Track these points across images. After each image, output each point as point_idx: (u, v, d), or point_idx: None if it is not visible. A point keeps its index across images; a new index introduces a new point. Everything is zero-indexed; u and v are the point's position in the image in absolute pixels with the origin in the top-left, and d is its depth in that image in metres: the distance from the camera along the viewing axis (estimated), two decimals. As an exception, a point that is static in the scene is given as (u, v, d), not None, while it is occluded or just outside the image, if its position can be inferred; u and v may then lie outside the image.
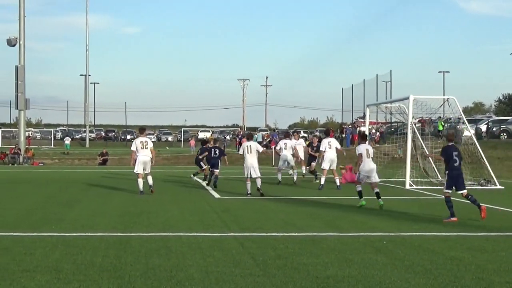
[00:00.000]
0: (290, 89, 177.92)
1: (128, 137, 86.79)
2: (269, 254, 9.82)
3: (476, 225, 13.32)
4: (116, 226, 12.74)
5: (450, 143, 14.65)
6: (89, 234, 11.63)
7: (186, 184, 24.55)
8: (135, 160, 19.71)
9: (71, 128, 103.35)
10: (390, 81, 61.20)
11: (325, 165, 22.23)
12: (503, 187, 23.73)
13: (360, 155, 16.45)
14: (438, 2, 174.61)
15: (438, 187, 21.35)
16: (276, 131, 79.72)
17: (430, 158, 23.86)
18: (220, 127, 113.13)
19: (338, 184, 22.27)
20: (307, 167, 25.31)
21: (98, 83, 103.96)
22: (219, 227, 12.67)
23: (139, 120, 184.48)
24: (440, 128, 46.92)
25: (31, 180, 26.81)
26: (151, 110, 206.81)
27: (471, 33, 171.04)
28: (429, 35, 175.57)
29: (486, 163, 24.62)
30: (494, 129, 50.23)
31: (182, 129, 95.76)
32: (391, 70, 61.08)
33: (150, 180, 19.83)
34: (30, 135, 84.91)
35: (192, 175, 25.71)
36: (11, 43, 47.00)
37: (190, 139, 76.46)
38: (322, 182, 22.14)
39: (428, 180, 24.52)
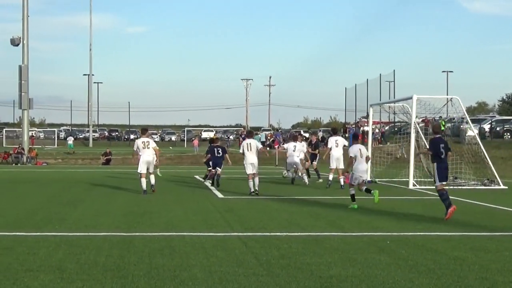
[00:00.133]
0: (293, 89, 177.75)
1: (132, 136, 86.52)
2: (272, 253, 9.81)
3: (480, 225, 13.31)
4: (120, 226, 12.76)
5: (437, 135, 14.54)
6: (93, 233, 11.63)
7: (190, 184, 24.59)
8: (139, 160, 19.76)
9: (75, 128, 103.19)
10: (394, 81, 61.36)
11: (333, 165, 22.64)
12: (506, 187, 23.69)
13: (354, 156, 16.40)
14: (441, 2, 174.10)
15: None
16: (280, 130, 79.77)
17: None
18: (224, 126, 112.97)
19: (342, 183, 22.29)
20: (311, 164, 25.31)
21: (101, 82, 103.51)
22: (222, 227, 12.68)
23: (142, 119, 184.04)
24: (442, 128, 46.87)
25: (34, 179, 26.87)
26: (154, 110, 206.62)
27: (474, 33, 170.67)
28: (433, 34, 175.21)
29: (490, 163, 24.59)
30: (498, 128, 50.11)
31: (186, 128, 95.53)
32: (394, 70, 61.27)
33: (152, 179, 19.93)
34: (34, 134, 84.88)
35: (202, 180, 25.53)
36: (14, 42, 47.09)
37: (193, 138, 76.42)
38: (330, 178, 22.61)
39: (432, 180, 24.44)
